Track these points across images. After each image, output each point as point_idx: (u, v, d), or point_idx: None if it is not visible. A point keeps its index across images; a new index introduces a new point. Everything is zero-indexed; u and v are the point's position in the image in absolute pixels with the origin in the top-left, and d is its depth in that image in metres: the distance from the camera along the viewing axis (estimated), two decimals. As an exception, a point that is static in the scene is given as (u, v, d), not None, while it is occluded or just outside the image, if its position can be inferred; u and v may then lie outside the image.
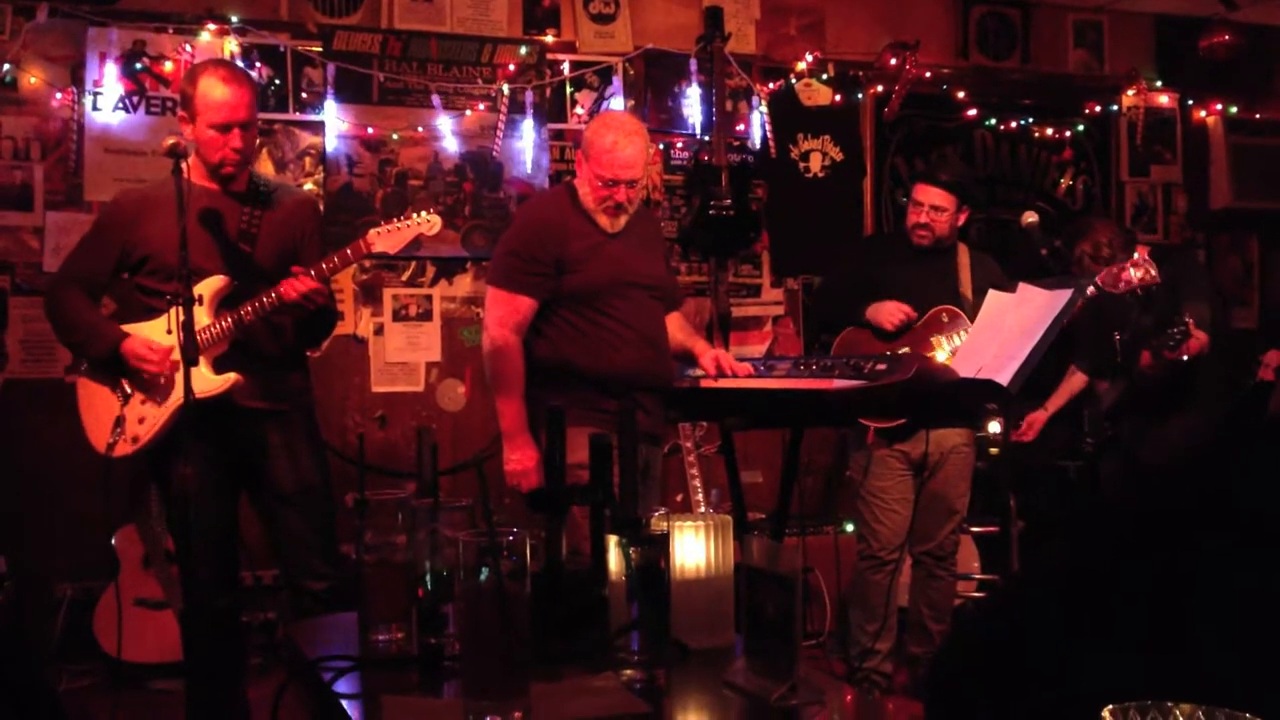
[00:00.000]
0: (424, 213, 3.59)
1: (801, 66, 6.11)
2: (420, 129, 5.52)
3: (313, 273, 3.39)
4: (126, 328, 3.48)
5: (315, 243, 3.65)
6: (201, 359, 3.37)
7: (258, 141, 4.24)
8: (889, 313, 4.21)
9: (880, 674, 4.43)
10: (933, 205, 4.32)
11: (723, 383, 3.72)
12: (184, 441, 3.14)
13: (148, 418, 3.45)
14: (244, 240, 3.51)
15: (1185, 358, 4.58)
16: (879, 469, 4.37)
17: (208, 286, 3.41)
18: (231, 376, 3.41)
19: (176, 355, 3.26)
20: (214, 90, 3.43)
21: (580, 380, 3.61)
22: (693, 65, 5.86)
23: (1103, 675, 1.20)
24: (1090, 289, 3.96)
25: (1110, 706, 1.01)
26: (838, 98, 6.20)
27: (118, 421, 3.46)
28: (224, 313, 3.43)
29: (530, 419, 3.64)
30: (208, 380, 3.39)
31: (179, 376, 3.10)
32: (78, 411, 3.56)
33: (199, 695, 3.49)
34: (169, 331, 3.36)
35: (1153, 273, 3.93)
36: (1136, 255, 4.05)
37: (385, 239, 3.52)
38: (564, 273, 3.63)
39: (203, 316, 3.38)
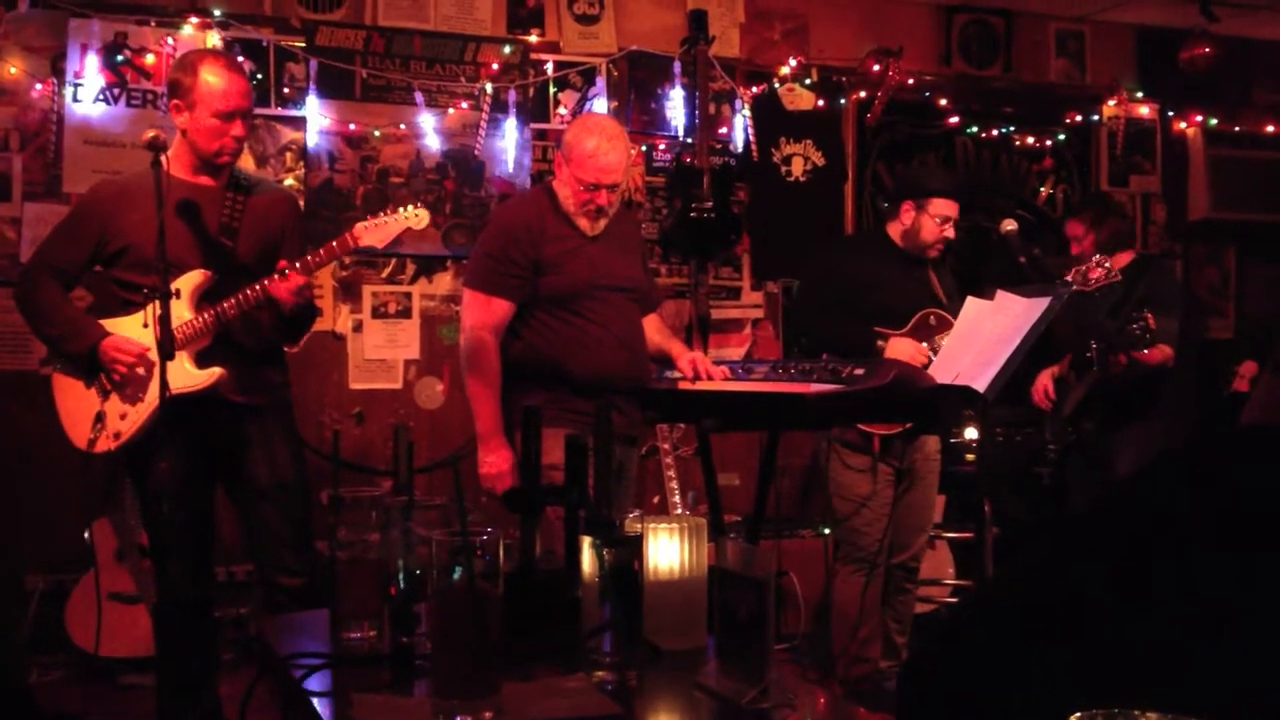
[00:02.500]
0: (411, 207, 3.58)
1: (785, 71, 6.12)
2: (402, 126, 5.51)
3: (299, 266, 3.38)
4: (105, 323, 3.46)
5: (295, 239, 3.64)
6: (184, 354, 3.35)
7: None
8: (911, 356, 4.03)
9: (881, 675, 4.38)
10: (956, 220, 4.32)
11: (701, 385, 3.72)
12: (161, 436, 3.12)
13: (130, 413, 3.42)
14: (225, 234, 3.49)
15: (1149, 363, 4.65)
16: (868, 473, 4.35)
17: (187, 281, 3.38)
18: (216, 371, 3.39)
19: (154, 353, 3.24)
20: (216, 78, 3.41)
21: (556, 381, 3.61)
22: (676, 68, 5.87)
23: (1073, 683, 1.20)
24: (1066, 295, 4.00)
25: (1077, 715, 1.01)
26: (820, 103, 6.22)
27: (98, 417, 3.43)
28: (205, 307, 3.41)
29: (505, 420, 3.63)
30: (191, 375, 3.37)
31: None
32: (54, 406, 3.52)
33: (170, 690, 3.47)
34: (146, 325, 3.35)
35: (1113, 273, 4.06)
36: (1096, 257, 4.15)
37: (372, 233, 3.51)
38: (541, 274, 3.63)
39: (184, 311, 3.36)
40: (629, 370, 3.71)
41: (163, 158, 3.17)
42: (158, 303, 3.05)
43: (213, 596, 3.77)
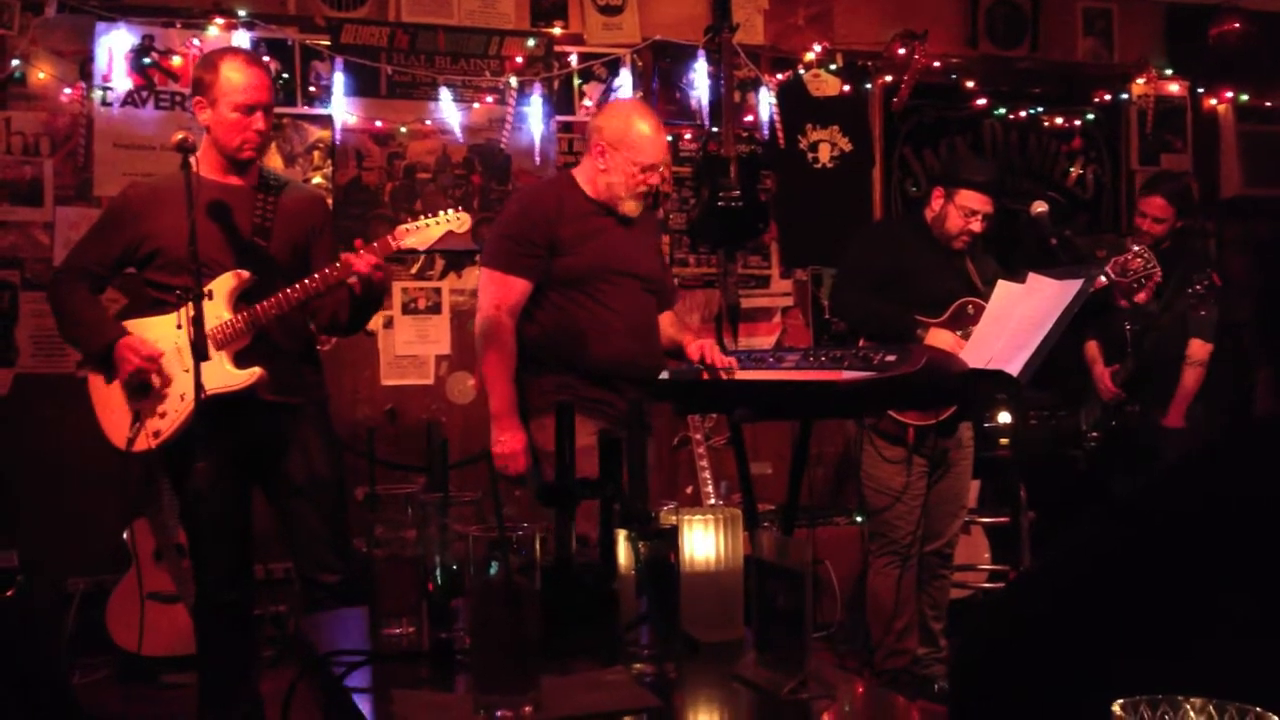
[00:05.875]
0: (452, 211, 3.58)
1: (810, 57, 6.10)
2: (428, 122, 5.52)
3: (376, 246, 3.40)
4: (136, 323, 3.48)
5: (327, 239, 3.66)
6: (224, 354, 3.38)
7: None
8: (951, 345, 3.98)
9: (918, 662, 4.40)
10: (985, 214, 4.29)
11: (732, 375, 3.71)
12: (197, 436, 3.14)
13: (169, 413, 3.44)
14: (258, 234, 3.51)
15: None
16: (903, 465, 4.33)
17: (222, 283, 3.40)
18: (256, 371, 3.41)
19: (186, 355, 3.25)
20: (237, 73, 3.44)
21: (567, 367, 3.62)
22: (701, 56, 5.86)
23: (1119, 669, 1.20)
24: (1101, 278, 3.97)
25: (1121, 701, 1.00)
26: (846, 88, 6.19)
27: (136, 416, 3.46)
28: (243, 307, 3.43)
29: (519, 401, 3.64)
30: (231, 375, 3.39)
31: (202, 369, 3.09)
32: (92, 407, 3.55)
33: (211, 688, 3.50)
34: (179, 327, 3.37)
35: (1151, 264, 4.03)
36: (1136, 249, 4.12)
37: (413, 235, 3.51)
38: (556, 255, 3.65)
39: (222, 311, 3.38)
40: (639, 359, 3.70)
41: (192, 159, 3.19)
42: (190, 304, 3.07)
43: (252, 594, 3.79)
